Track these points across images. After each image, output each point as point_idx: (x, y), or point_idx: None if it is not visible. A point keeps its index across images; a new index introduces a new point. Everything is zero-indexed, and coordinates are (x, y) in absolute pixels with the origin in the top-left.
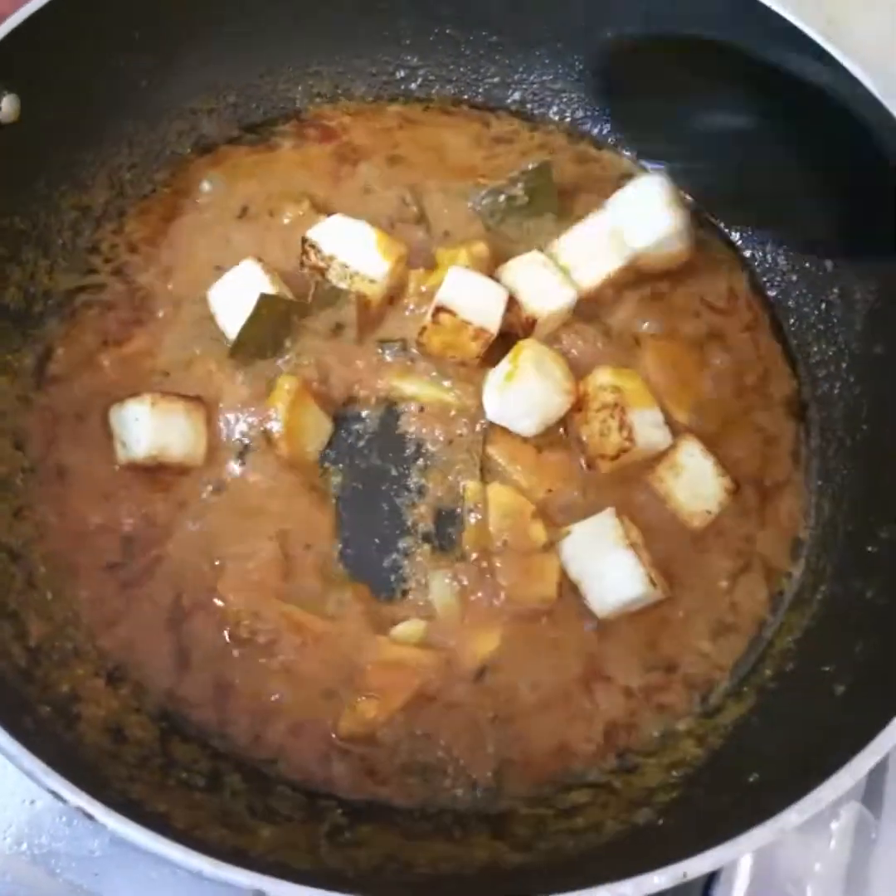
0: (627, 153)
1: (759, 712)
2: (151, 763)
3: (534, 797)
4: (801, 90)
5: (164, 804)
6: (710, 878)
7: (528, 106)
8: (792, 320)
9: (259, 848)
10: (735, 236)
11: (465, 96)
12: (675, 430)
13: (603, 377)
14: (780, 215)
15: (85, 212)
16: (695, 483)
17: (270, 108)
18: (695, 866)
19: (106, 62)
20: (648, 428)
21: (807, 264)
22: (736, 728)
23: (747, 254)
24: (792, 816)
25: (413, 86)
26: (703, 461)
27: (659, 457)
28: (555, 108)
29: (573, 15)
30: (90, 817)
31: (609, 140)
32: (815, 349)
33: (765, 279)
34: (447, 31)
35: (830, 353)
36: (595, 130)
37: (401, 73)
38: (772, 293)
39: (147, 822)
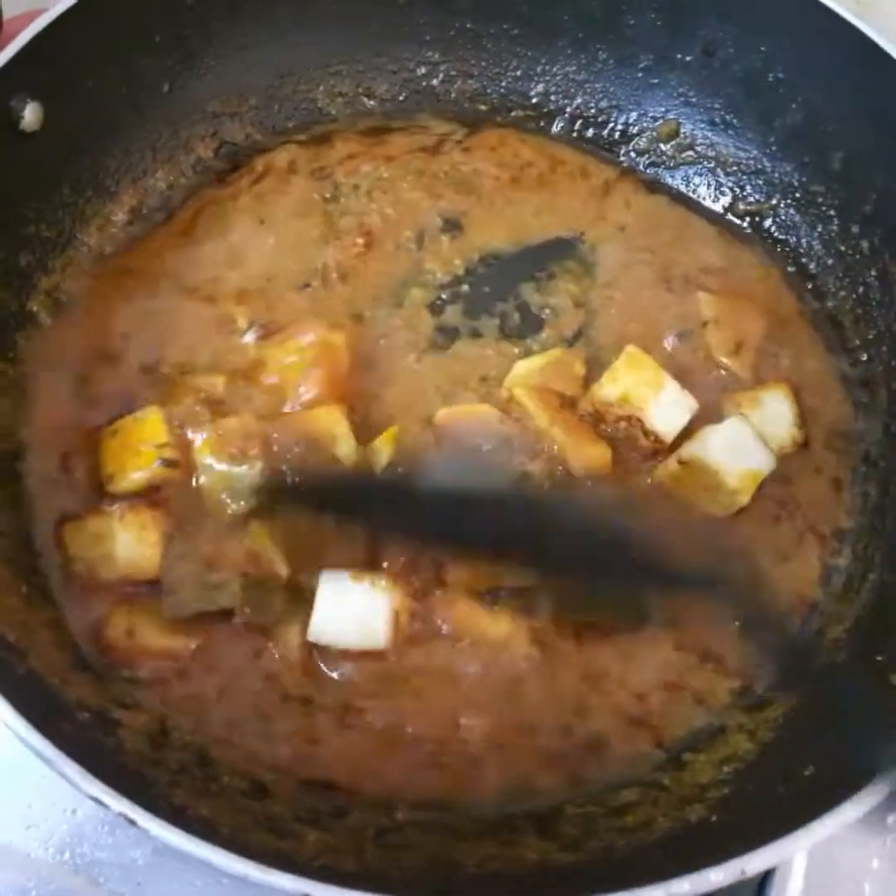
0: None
1: (810, 705)
2: (193, 768)
3: (581, 795)
4: (831, 68)
5: (207, 809)
6: (764, 879)
7: (553, 97)
8: (830, 304)
9: (305, 853)
10: (767, 223)
11: (488, 91)
12: None
13: (603, 391)
14: (813, 198)
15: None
16: (767, 422)
17: (292, 109)
18: (754, 862)
19: (126, 67)
20: (670, 410)
21: (842, 247)
22: (787, 721)
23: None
24: (850, 809)
25: (435, 82)
26: (783, 406)
27: (743, 387)
28: (579, 100)
29: (594, 5)
30: (132, 823)
31: (633, 130)
32: (854, 333)
33: (799, 264)
34: (467, 26)
35: (870, 336)
36: (621, 119)
37: (422, 70)
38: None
39: (190, 827)
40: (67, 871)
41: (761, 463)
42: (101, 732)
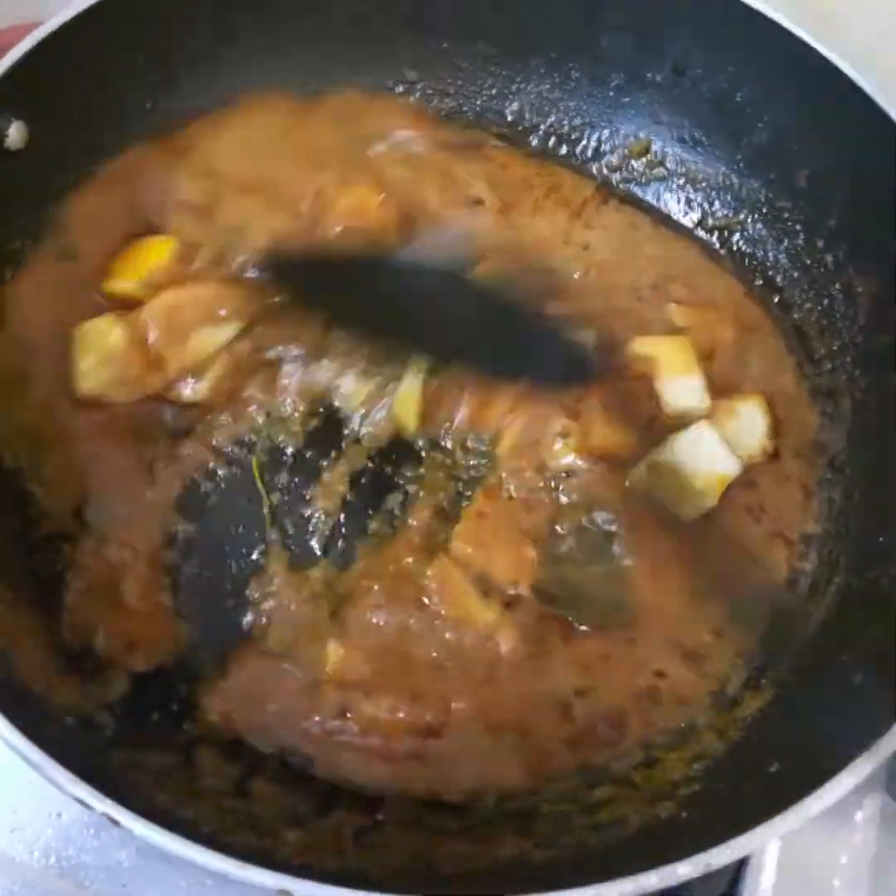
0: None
1: (777, 704)
2: (177, 770)
3: (556, 794)
4: (795, 88)
5: (191, 811)
6: (737, 872)
7: (527, 115)
8: (796, 316)
9: (286, 851)
10: (735, 237)
11: (464, 108)
12: None
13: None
14: (780, 213)
15: None
16: (741, 432)
17: None
18: (718, 856)
19: (111, 87)
20: (683, 392)
21: (808, 261)
22: (755, 720)
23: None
24: (814, 804)
25: (411, 100)
26: (757, 416)
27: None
28: (552, 118)
29: (566, 25)
30: (115, 823)
31: (605, 147)
32: (819, 344)
33: (766, 277)
34: (444, 45)
35: (835, 347)
36: (593, 137)
37: (400, 88)
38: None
39: (172, 826)
40: (53, 875)
41: (727, 467)
42: (87, 737)
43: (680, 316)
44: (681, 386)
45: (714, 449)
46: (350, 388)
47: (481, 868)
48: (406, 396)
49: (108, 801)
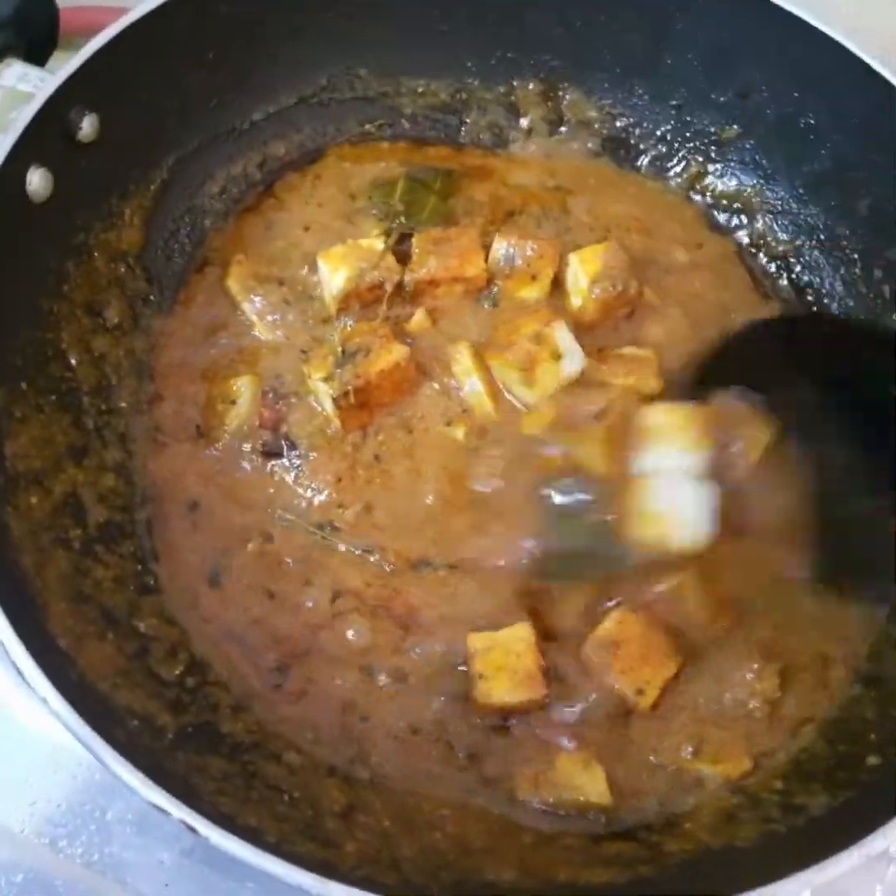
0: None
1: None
2: (237, 777)
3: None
4: (860, 116)
5: (254, 818)
6: None
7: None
8: None
9: (347, 863)
10: (792, 262)
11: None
12: None
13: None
14: (838, 241)
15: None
16: None
17: (331, 129)
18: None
19: (179, 82)
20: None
21: (864, 290)
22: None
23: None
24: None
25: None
26: None
27: None
28: (613, 132)
29: (632, 41)
30: (192, 830)
31: (665, 164)
32: None
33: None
34: (508, 55)
35: None
36: (652, 153)
37: (462, 95)
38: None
39: (245, 835)
40: (96, 872)
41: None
42: (150, 738)
43: None
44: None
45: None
46: None
47: (538, 889)
48: None
49: (186, 808)
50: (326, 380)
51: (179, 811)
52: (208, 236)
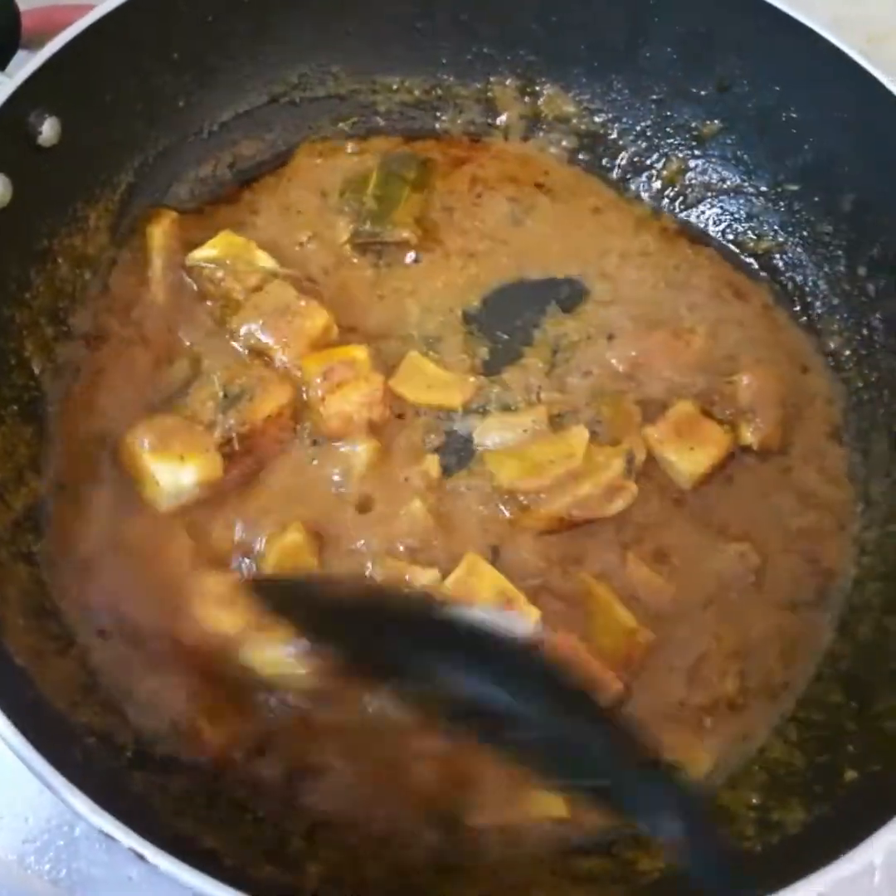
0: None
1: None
2: (198, 795)
3: None
4: (843, 109)
5: (214, 839)
6: None
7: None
8: (832, 346)
9: (308, 886)
10: (775, 259)
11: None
12: None
13: None
14: (821, 237)
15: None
16: None
17: (303, 127)
18: None
19: (144, 83)
20: None
21: (848, 288)
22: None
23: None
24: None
25: (448, 103)
26: None
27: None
28: (592, 128)
29: (609, 35)
30: (141, 858)
31: (645, 161)
32: (855, 376)
33: (804, 303)
34: (484, 50)
35: (873, 379)
36: (631, 149)
37: (437, 92)
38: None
39: (198, 861)
40: (63, 888)
41: None
42: (108, 757)
43: None
44: None
45: None
46: None
47: None
48: None
49: (135, 836)
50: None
51: (127, 838)
52: None
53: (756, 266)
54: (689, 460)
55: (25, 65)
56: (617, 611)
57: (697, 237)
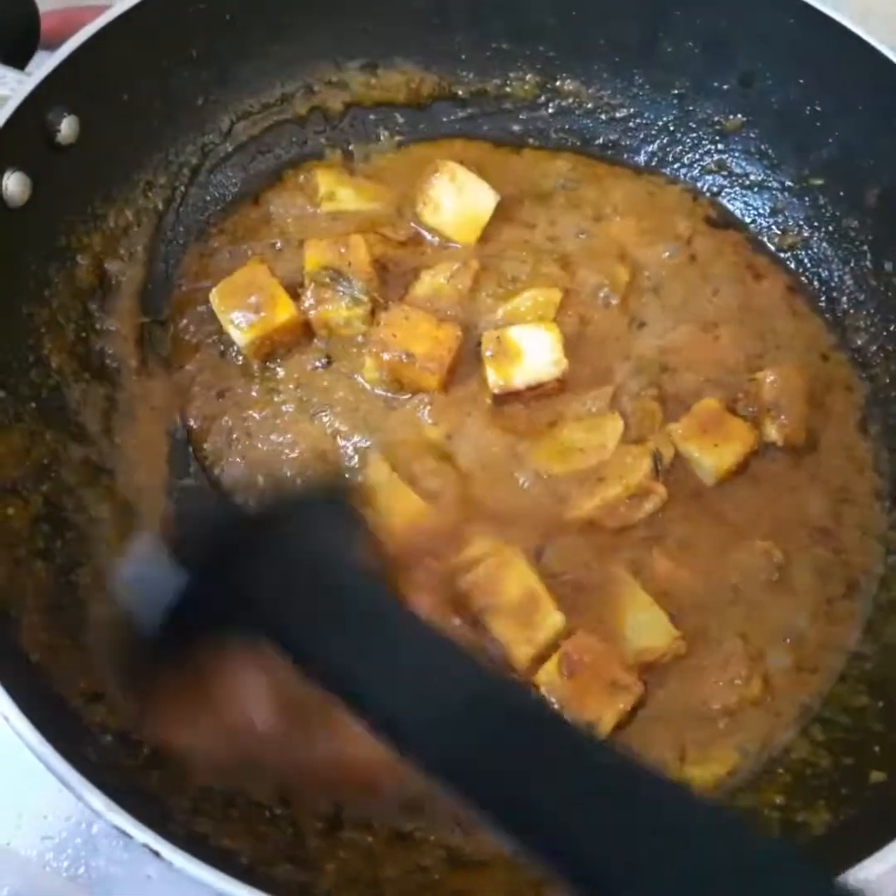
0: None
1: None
2: (215, 793)
3: None
4: (869, 103)
5: (229, 838)
6: None
7: (587, 121)
8: (859, 342)
9: (324, 884)
10: (800, 254)
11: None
12: None
13: None
14: (846, 232)
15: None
16: None
17: (323, 126)
18: None
19: (163, 81)
20: None
21: (874, 283)
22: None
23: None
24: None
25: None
26: None
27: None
28: (613, 123)
29: (629, 29)
30: (156, 854)
31: (667, 156)
32: (882, 372)
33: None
34: (503, 47)
35: None
36: (654, 144)
37: (458, 90)
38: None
39: (214, 859)
40: (82, 886)
41: None
42: (124, 755)
43: None
44: None
45: None
46: None
47: None
48: None
49: (150, 832)
50: None
51: (142, 834)
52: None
53: (780, 262)
54: (713, 456)
55: (44, 64)
56: (655, 612)
57: (722, 228)
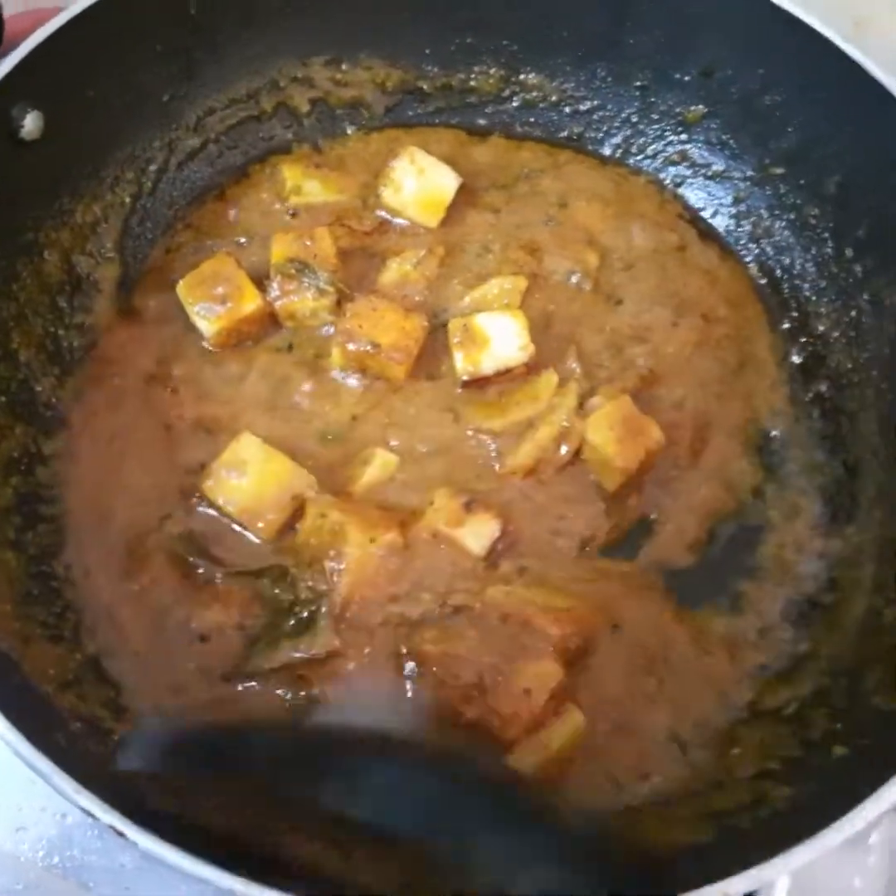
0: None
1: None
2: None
3: None
4: (827, 93)
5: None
6: None
7: (551, 112)
8: (821, 328)
9: (295, 861)
10: (762, 243)
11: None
12: None
13: None
14: (807, 220)
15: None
16: None
17: (288, 121)
18: (734, 886)
19: (128, 77)
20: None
21: (835, 270)
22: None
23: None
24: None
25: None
26: None
27: None
28: (577, 115)
29: (592, 22)
30: (121, 835)
31: (631, 148)
32: (844, 357)
33: (792, 286)
34: (468, 40)
35: (861, 360)
36: (617, 136)
37: (423, 84)
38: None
39: (179, 839)
40: (56, 875)
41: None
42: (94, 742)
43: None
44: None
45: None
46: None
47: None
48: None
49: (115, 813)
50: None
51: (107, 816)
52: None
53: (742, 250)
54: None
55: (5, 60)
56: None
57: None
